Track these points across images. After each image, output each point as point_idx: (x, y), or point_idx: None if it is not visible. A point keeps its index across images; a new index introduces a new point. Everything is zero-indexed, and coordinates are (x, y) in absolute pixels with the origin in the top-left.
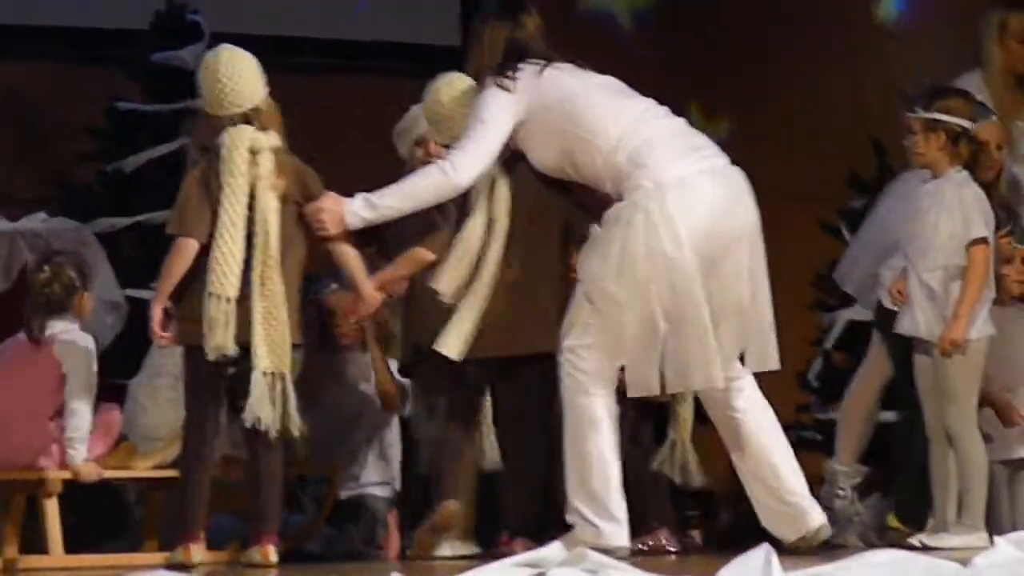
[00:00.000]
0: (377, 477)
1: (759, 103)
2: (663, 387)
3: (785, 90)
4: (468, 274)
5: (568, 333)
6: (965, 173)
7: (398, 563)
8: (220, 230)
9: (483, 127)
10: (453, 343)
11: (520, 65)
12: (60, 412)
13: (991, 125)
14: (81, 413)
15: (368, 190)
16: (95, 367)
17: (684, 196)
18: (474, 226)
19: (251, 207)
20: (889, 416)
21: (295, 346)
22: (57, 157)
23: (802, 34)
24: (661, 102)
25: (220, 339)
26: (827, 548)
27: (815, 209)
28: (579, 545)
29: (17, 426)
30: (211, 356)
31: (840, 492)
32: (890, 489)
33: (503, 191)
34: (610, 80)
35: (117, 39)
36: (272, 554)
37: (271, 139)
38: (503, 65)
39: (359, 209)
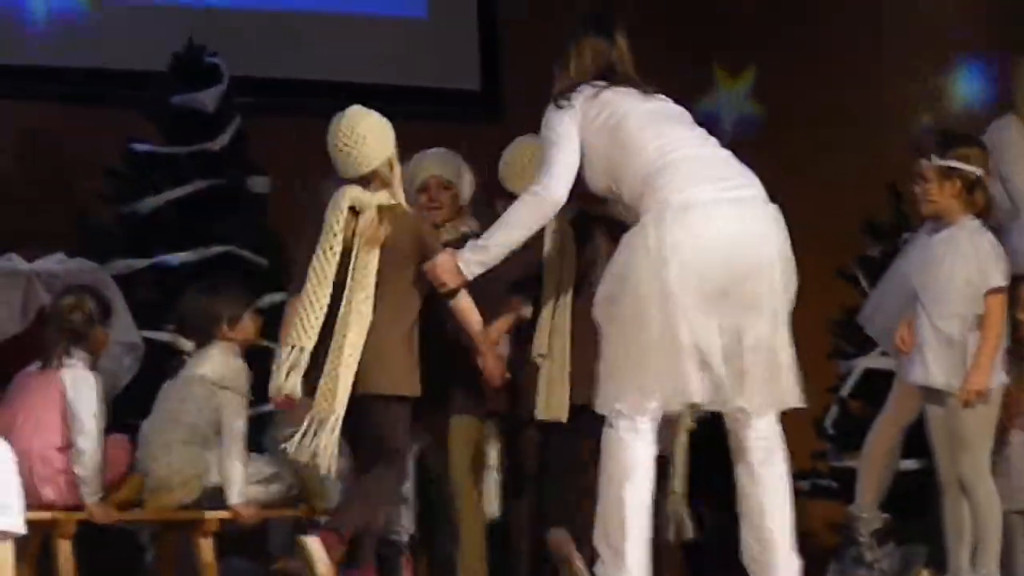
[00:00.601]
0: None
1: (774, 148)
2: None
3: (800, 137)
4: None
5: None
6: (978, 222)
7: None
8: (308, 282)
9: (554, 145)
10: (560, 406)
11: (579, 87)
12: (68, 444)
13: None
14: (90, 451)
15: None
16: (102, 402)
17: (686, 220)
18: (548, 285)
19: (350, 264)
20: (910, 464)
21: (402, 398)
22: (75, 198)
23: (819, 80)
24: None
25: (280, 381)
26: None
27: (832, 256)
28: None
29: (26, 458)
30: (271, 394)
31: (859, 539)
32: (908, 537)
33: (569, 246)
34: (668, 106)
35: (136, 81)
36: (312, 542)
37: (378, 197)
38: (563, 90)
39: (471, 255)
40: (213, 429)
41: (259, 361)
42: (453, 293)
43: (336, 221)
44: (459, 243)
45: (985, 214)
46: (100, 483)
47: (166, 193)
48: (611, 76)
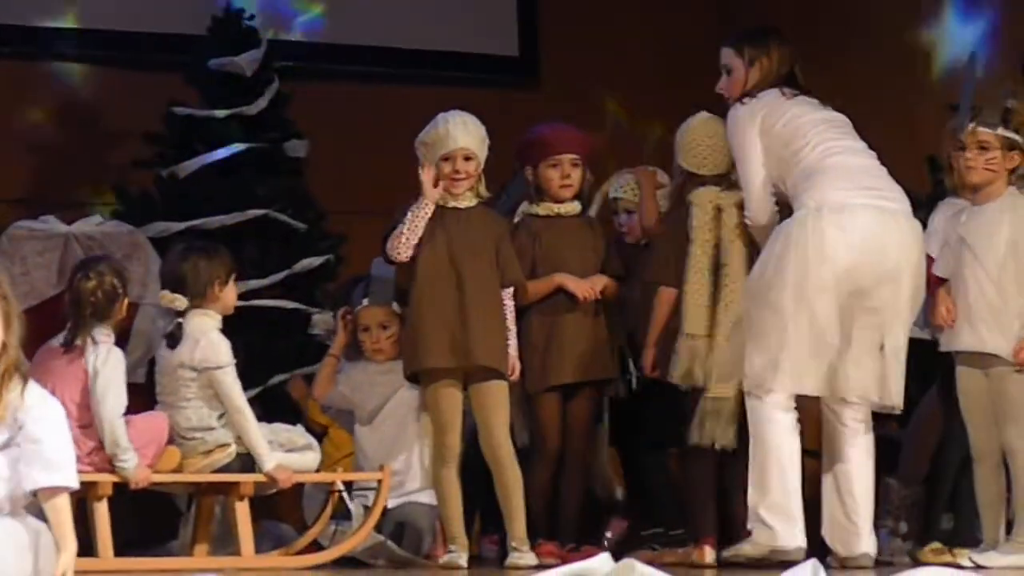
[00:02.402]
0: (421, 484)
1: None
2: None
3: (834, 107)
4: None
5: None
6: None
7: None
8: (690, 276)
9: (742, 165)
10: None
11: (765, 91)
12: (91, 421)
13: None
14: (117, 426)
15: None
16: (125, 376)
17: (838, 219)
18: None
19: (720, 256)
20: None
21: None
22: (114, 160)
23: (851, 49)
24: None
25: (685, 369)
26: (875, 565)
27: None
28: (759, 547)
29: None
30: (681, 384)
31: (894, 509)
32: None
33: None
34: (837, 116)
35: (176, 44)
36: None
37: (735, 197)
38: (751, 88)
39: None
40: (219, 404)
41: (294, 326)
42: None
43: (706, 220)
44: (476, 209)
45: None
46: (131, 449)
47: (204, 156)
48: (793, 82)
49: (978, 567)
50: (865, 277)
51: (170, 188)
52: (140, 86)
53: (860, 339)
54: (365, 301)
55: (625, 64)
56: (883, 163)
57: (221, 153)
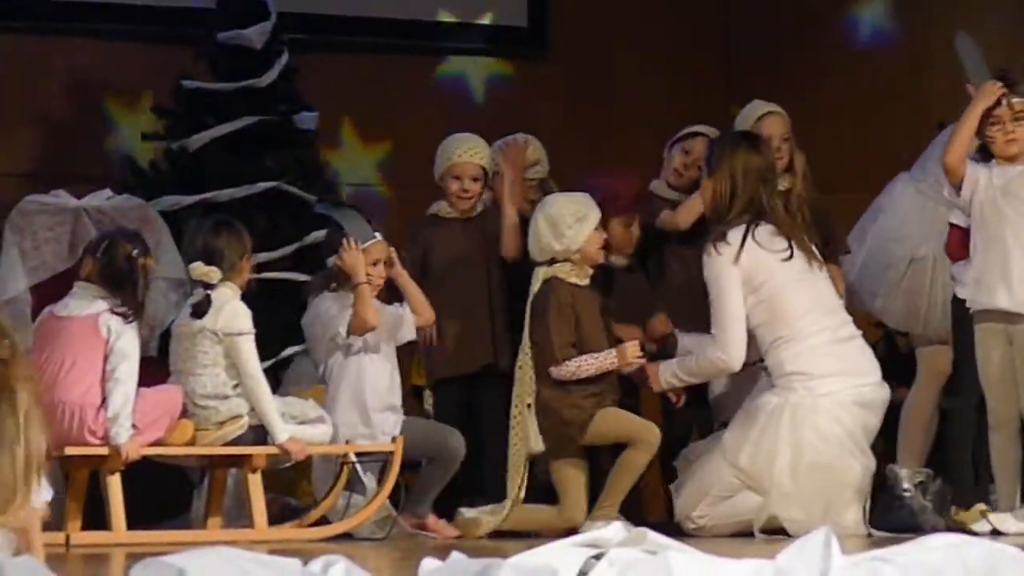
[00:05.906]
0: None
1: (819, 89)
2: None
3: (847, 75)
4: None
5: None
6: None
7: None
8: None
9: (723, 309)
10: None
11: (736, 230)
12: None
13: None
14: (120, 392)
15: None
16: (138, 348)
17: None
18: None
19: None
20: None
21: None
22: (124, 135)
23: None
24: (708, 90)
25: None
26: (893, 532)
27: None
28: None
29: (75, 408)
30: None
31: (905, 492)
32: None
33: None
34: (803, 266)
35: (186, 17)
36: None
37: None
38: (723, 231)
39: (671, 378)
40: (236, 373)
41: (291, 298)
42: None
43: None
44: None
45: None
46: (129, 422)
47: (214, 129)
48: (763, 213)
49: (995, 532)
50: None
51: (180, 162)
52: (150, 60)
53: None
54: (378, 235)
55: (635, 33)
56: (894, 132)
57: (231, 126)
